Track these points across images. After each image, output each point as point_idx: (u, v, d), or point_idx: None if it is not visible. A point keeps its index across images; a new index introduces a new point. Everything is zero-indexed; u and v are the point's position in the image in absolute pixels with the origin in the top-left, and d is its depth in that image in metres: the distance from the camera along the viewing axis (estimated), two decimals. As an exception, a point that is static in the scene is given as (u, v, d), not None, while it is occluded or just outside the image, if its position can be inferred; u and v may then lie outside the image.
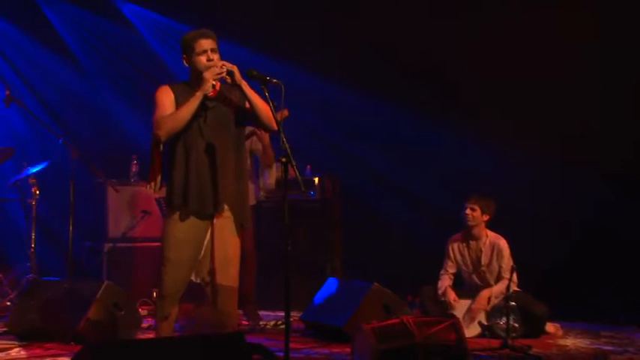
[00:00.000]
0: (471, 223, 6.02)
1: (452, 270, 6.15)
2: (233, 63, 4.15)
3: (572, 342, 5.68)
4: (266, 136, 6.06)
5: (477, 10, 7.52)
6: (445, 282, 6.08)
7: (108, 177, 7.00)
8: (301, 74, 7.66)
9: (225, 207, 4.23)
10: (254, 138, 6.14)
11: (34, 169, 6.65)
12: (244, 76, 4.15)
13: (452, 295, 5.98)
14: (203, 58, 4.19)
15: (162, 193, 4.48)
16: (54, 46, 8.61)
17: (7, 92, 6.40)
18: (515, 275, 5.63)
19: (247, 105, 4.24)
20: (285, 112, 5.90)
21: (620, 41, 6.95)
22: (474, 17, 7.54)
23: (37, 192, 6.66)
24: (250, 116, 4.29)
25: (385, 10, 7.91)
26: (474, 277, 6.06)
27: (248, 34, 8.16)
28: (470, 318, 5.83)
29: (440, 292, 6.04)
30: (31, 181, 6.66)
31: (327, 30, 8.06)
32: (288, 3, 8.09)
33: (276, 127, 4.25)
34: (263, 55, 7.83)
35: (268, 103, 4.15)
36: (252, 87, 4.21)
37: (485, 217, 6.02)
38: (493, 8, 7.44)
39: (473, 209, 6.01)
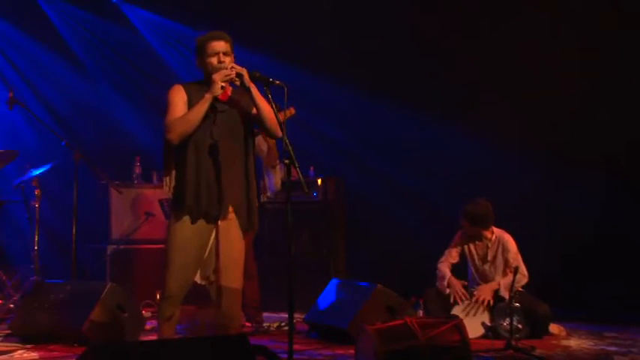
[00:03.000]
0: (469, 234, 6.10)
1: (453, 260, 6.14)
2: (242, 66, 4.16)
3: (575, 343, 5.67)
4: None
5: (478, 10, 7.52)
6: (447, 270, 6.07)
7: (111, 179, 7.00)
8: (303, 75, 7.66)
9: (231, 209, 4.23)
10: (258, 138, 6.14)
11: (38, 171, 6.65)
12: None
13: (458, 284, 5.97)
14: (214, 60, 4.21)
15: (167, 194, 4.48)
16: (57, 48, 8.61)
17: (10, 94, 6.40)
18: (524, 270, 5.80)
19: (254, 110, 4.25)
20: (292, 111, 5.93)
21: (621, 39, 6.96)
22: (474, 17, 7.55)
23: (40, 194, 6.66)
24: (256, 121, 4.30)
25: (387, 11, 7.92)
26: (480, 273, 6.06)
27: (249, 34, 8.16)
28: (473, 314, 5.81)
29: (445, 281, 6.02)
30: (35, 183, 6.66)
31: (330, 30, 8.06)
32: (290, 4, 8.10)
33: (280, 134, 4.26)
34: (265, 56, 7.84)
35: (271, 105, 4.15)
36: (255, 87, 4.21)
37: (479, 226, 6.05)
38: (493, 9, 7.44)
39: (463, 224, 6.07)
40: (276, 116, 4.12)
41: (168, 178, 4.32)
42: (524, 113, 7.29)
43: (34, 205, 6.70)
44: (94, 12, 8.69)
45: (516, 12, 7.34)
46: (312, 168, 7.52)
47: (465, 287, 5.99)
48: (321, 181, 7.36)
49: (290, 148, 3.97)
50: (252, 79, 4.15)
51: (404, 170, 7.83)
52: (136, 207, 7.20)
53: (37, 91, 8.51)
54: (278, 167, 6.44)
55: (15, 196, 6.96)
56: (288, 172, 4.02)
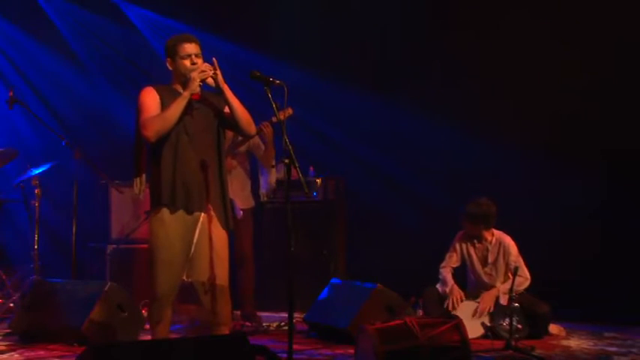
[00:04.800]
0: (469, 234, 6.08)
1: (454, 264, 6.15)
2: (220, 65, 4.19)
3: (575, 343, 5.67)
4: (270, 134, 6.07)
5: (478, 11, 7.52)
6: (450, 276, 6.07)
7: (111, 178, 6.99)
8: (303, 74, 7.65)
9: (210, 206, 4.25)
10: (256, 138, 6.14)
11: (38, 171, 6.65)
12: (247, 77, 4.17)
13: (458, 294, 5.97)
14: (187, 62, 4.24)
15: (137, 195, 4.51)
16: (57, 47, 8.61)
17: (11, 93, 6.39)
18: (527, 273, 5.80)
19: (227, 109, 4.28)
20: (290, 111, 5.93)
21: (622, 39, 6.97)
22: (475, 18, 7.55)
23: (40, 193, 6.65)
24: (230, 121, 4.32)
25: (389, 11, 7.92)
26: (481, 275, 6.05)
27: (249, 33, 8.17)
28: (476, 318, 5.82)
29: (447, 288, 6.02)
30: (34, 182, 6.65)
31: (330, 30, 8.06)
32: (290, 3, 8.09)
33: (254, 133, 4.47)
34: (265, 56, 7.84)
35: (271, 105, 4.15)
36: (256, 88, 4.22)
37: (480, 226, 6.03)
38: (493, 9, 7.44)
39: (464, 223, 6.06)
40: (276, 112, 4.12)
41: (138, 180, 4.36)
42: (525, 113, 7.28)
43: (34, 204, 6.70)
44: (94, 11, 8.68)
45: (517, 12, 7.33)
46: (312, 168, 7.51)
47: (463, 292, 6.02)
48: (321, 181, 7.35)
49: (290, 147, 3.97)
50: (253, 78, 4.16)
51: (404, 170, 7.82)
52: (136, 207, 7.17)
53: (37, 90, 8.51)
54: (275, 167, 6.44)
55: (15, 196, 6.96)
56: (288, 172, 4.02)
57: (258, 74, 4.14)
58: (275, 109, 4.16)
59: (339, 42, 8.08)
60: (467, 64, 7.52)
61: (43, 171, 6.66)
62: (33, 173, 6.65)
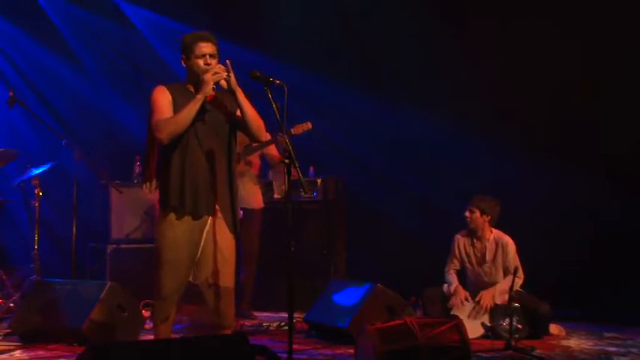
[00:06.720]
0: (471, 226, 6.07)
1: (456, 267, 6.17)
2: (238, 65, 4.18)
3: (575, 343, 5.68)
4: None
5: (478, 11, 7.52)
6: (455, 278, 6.08)
7: (111, 178, 7.00)
8: (302, 74, 7.65)
9: (217, 208, 4.25)
10: (271, 147, 6.42)
11: (38, 171, 6.65)
12: (247, 77, 4.16)
13: (463, 294, 5.97)
14: (201, 62, 4.22)
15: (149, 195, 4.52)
16: (57, 47, 8.60)
17: (11, 93, 6.39)
18: (520, 272, 5.81)
19: (238, 113, 4.27)
20: (309, 125, 6.08)
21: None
22: (475, 18, 7.55)
23: (41, 193, 6.65)
24: (240, 124, 4.31)
25: (389, 11, 7.92)
26: (479, 274, 6.06)
27: (249, 33, 8.16)
28: (474, 317, 5.82)
29: (452, 288, 6.02)
30: (35, 182, 6.65)
31: (331, 30, 8.06)
32: (290, 3, 8.09)
33: (264, 138, 4.49)
34: (265, 55, 7.84)
35: (272, 104, 4.15)
36: (256, 87, 4.21)
37: (486, 218, 6.04)
38: (494, 10, 7.44)
39: (472, 211, 6.05)
40: (279, 120, 4.12)
41: (148, 184, 4.35)
42: (525, 113, 7.29)
43: (34, 204, 6.69)
44: (94, 11, 8.68)
45: (517, 12, 7.32)
46: (312, 168, 7.51)
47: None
48: (321, 181, 7.36)
49: (290, 147, 3.97)
50: (253, 78, 4.15)
51: (404, 170, 7.83)
52: (136, 206, 7.18)
53: (37, 90, 8.51)
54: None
55: (15, 196, 6.95)
56: (288, 172, 4.02)
57: (259, 74, 4.13)
58: (276, 109, 4.11)
59: (339, 42, 8.08)
60: (466, 65, 7.52)
61: (43, 171, 6.66)
62: (33, 173, 6.64)
